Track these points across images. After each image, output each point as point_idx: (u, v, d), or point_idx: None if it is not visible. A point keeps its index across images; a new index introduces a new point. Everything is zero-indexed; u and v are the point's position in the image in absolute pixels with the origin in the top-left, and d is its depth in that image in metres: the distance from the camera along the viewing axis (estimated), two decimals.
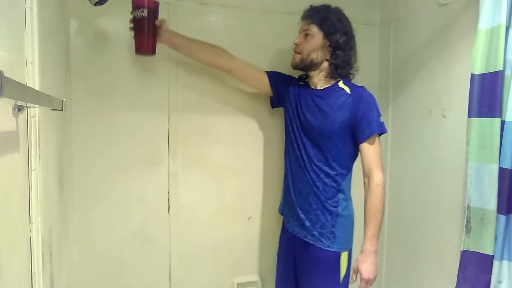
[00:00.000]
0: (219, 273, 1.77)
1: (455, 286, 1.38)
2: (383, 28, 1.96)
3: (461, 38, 1.53)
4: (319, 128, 1.45)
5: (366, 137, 1.38)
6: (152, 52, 1.45)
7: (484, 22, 1.29)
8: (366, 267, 1.35)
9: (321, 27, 1.45)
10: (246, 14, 1.74)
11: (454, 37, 1.57)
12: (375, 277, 1.37)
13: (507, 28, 1.24)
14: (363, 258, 1.36)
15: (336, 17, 1.46)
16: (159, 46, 1.60)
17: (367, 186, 1.40)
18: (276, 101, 1.67)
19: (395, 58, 1.90)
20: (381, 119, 1.41)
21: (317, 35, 1.46)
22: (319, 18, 1.46)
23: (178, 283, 1.71)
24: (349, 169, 1.47)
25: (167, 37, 1.47)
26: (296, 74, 1.62)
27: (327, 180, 1.44)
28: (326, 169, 1.44)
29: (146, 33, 1.42)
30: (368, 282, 1.35)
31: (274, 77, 1.62)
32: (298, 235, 1.51)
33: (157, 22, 1.43)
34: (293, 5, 1.82)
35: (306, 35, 1.48)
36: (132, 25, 1.43)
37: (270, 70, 1.62)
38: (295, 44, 1.51)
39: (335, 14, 1.47)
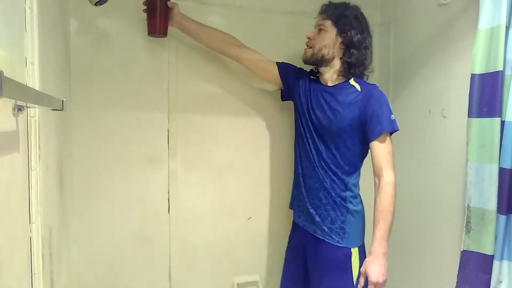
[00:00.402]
0: (219, 273, 1.77)
1: (455, 286, 1.38)
2: (383, 28, 1.96)
3: (461, 38, 1.53)
4: (328, 125, 1.43)
5: (376, 136, 1.36)
6: (164, 33, 1.50)
7: (484, 22, 1.29)
8: (374, 270, 1.29)
9: (335, 23, 1.44)
10: (246, 14, 1.74)
11: (454, 37, 1.57)
12: (385, 281, 1.31)
13: (507, 28, 1.25)
14: (371, 260, 1.31)
15: (352, 15, 1.44)
16: (158, 48, 1.61)
17: (377, 186, 1.37)
18: (286, 94, 1.65)
19: (395, 58, 1.90)
20: (392, 116, 1.38)
21: (330, 31, 1.44)
22: (335, 14, 1.45)
23: (178, 283, 1.71)
24: (357, 168, 1.46)
25: (179, 20, 1.50)
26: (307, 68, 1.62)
27: (334, 178, 1.43)
28: (334, 166, 1.43)
29: (158, 15, 1.46)
30: (377, 286, 1.29)
31: (284, 69, 1.60)
32: (308, 230, 1.49)
33: (169, 4, 1.46)
34: (293, 5, 1.82)
35: (320, 30, 1.47)
36: (145, 7, 1.48)
37: (281, 61, 1.61)
38: (308, 38, 1.50)
39: (352, 11, 1.45)
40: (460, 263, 1.36)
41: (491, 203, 1.28)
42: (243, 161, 1.78)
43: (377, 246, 1.32)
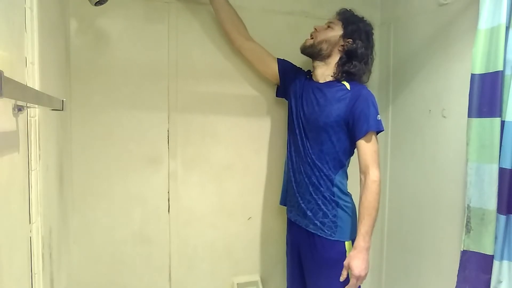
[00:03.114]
0: (219, 273, 1.77)
1: (455, 286, 1.38)
2: (383, 28, 1.96)
3: (461, 38, 1.53)
4: (315, 120, 1.47)
5: (363, 134, 1.39)
6: None
7: (484, 22, 1.29)
8: (358, 264, 1.34)
9: (344, 27, 1.49)
10: (246, 14, 1.73)
11: (454, 37, 1.57)
12: (366, 274, 1.36)
13: (507, 28, 1.24)
14: (355, 255, 1.36)
15: (364, 29, 1.50)
16: (158, 48, 1.61)
17: (363, 183, 1.40)
18: (282, 90, 1.69)
19: (395, 58, 1.90)
20: (379, 117, 1.41)
21: (336, 31, 1.50)
22: (348, 19, 1.50)
23: (178, 283, 1.71)
24: (342, 165, 1.47)
25: None
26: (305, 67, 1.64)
27: (320, 174, 1.46)
28: (319, 162, 1.46)
29: None
30: (359, 279, 1.35)
31: (284, 66, 1.64)
32: (300, 225, 1.52)
33: None
34: (293, 5, 1.83)
35: (328, 27, 1.52)
36: None
37: (282, 58, 1.65)
38: (314, 28, 1.55)
39: (365, 26, 1.51)
40: (460, 263, 1.36)
41: (491, 203, 1.27)
42: (243, 161, 1.78)
43: (361, 241, 1.36)
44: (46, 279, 0.99)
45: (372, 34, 1.53)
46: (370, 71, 1.54)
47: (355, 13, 1.53)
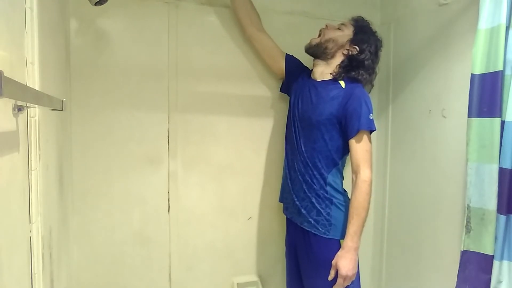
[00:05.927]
0: (219, 273, 1.77)
1: (455, 286, 1.38)
2: (383, 28, 1.96)
3: (461, 38, 1.53)
4: (308, 118, 1.47)
5: (354, 133, 1.38)
6: None
7: (484, 22, 1.28)
8: (345, 264, 1.34)
9: (355, 33, 1.49)
10: None
11: (454, 37, 1.57)
12: (354, 274, 1.36)
13: (507, 28, 1.24)
14: (343, 254, 1.35)
15: (374, 43, 1.49)
16: (158, 48, 1.61)
17: (354, 183, 1.40)
18: (285, 86, 1.71)
19: (395, 58, 1.90)
20: (371, 116, 1.40)
21: (346, 34, 1.49)
22: (360, 27, 1.50)
23: (178, 283, 1.71)
24: (335, 164, 1.46)
25: None
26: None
27: (313, 172, 1.46)
28: (311, 160, 1.46)
29: None
30: (346, 278, 1.35)
31: (291, 62, 1.66)
32: (296, 222, 1.52)
33: None
34: (293, 5, 1.83)
35: (339, 28, 1.52)
36: None
37: (290, 54, 1.66)
38: (326, 25, 1.54)
39: (376, 40, 1.50)
40: (460, 263, 1.36)
41: (491, 203, 1.27)
42: (243, 161, 1.78)
43: (349, 241, 1.36)
44: (46, 279, 0.99)
45: (381, 50, 1.52)
46: (372, 85, 1.54)
47: (370, 25, 1.53)
